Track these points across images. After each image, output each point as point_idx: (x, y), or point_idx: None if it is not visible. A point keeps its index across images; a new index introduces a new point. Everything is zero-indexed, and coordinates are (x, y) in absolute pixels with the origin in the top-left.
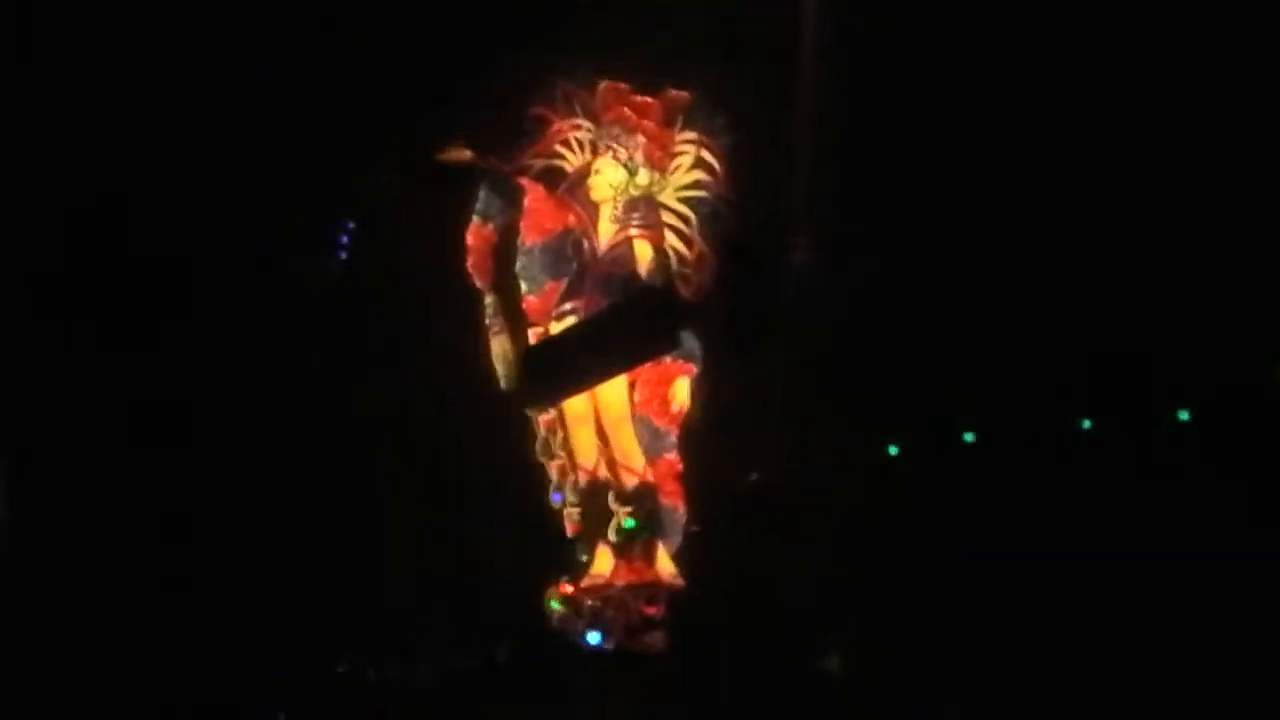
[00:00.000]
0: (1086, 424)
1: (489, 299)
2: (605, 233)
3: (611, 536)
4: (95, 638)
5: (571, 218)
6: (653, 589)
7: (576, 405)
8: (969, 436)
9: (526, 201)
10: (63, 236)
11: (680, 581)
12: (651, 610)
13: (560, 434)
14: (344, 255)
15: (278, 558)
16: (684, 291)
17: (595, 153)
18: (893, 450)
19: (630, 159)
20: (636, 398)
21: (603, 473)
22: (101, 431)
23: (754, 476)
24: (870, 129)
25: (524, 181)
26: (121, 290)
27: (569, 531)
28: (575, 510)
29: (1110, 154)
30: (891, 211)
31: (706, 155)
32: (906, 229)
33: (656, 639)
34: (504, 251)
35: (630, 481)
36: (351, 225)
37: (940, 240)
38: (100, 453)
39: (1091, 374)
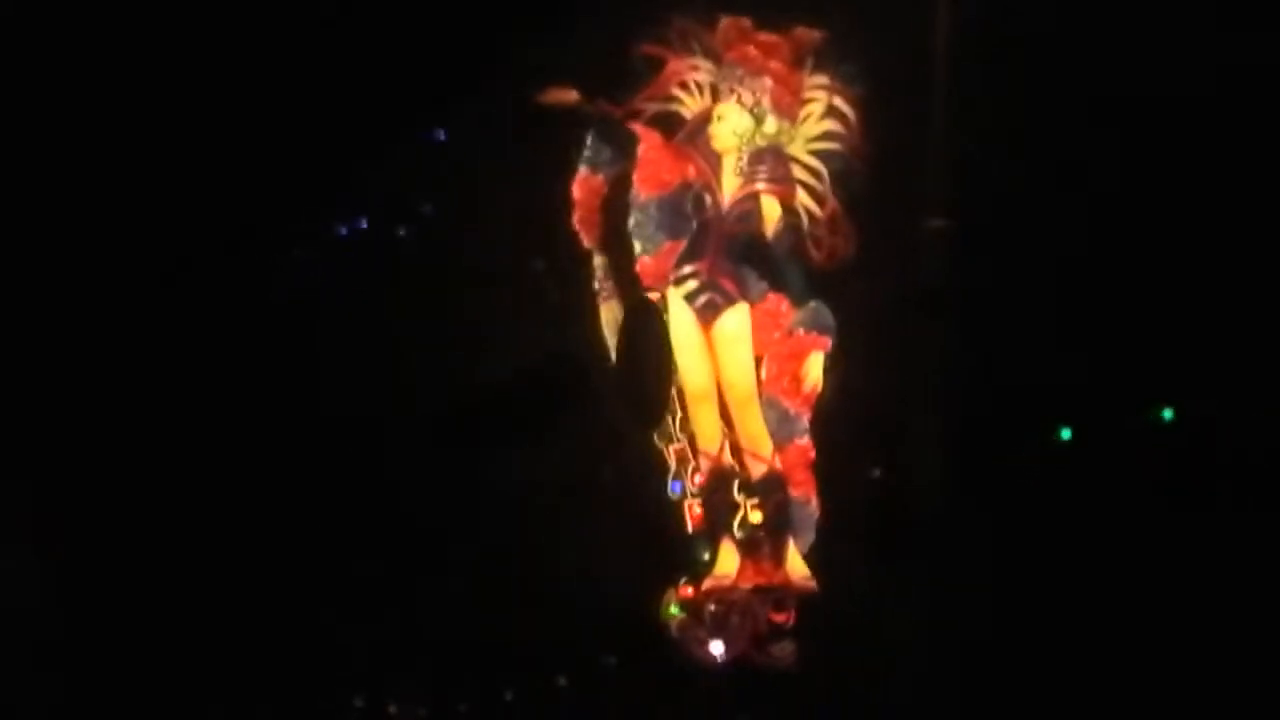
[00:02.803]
0: None
1: (598, 260)
2: (729, 187)
3: (736, 532)
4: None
5: (691, 169)
6: (782, 593)
7: (698, 382)
8: (1168, 414)
9: (640, 150)
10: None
11: (813, 585)
12: (780, 617)
13: (679, 415)
14: (426, 214)
15: (338, 563)
16: (816, 255)
17: (716, 97)
18: (1065, 434)
19: (757, 104)
20: (764, 374)
21: (727, 459)
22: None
23: (892, 466)
24: (1022, 81)
25: (637, 128)
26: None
27: (689, 526)
28: (696, 502)
29: None
30: (1044, 168)
31: (839, 103)
32: (1064, 187)
33: (785, 651)
34: (615, 206)
35: (757, 470)
36: (431, 179)
37: (1105, 198)
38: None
39: None
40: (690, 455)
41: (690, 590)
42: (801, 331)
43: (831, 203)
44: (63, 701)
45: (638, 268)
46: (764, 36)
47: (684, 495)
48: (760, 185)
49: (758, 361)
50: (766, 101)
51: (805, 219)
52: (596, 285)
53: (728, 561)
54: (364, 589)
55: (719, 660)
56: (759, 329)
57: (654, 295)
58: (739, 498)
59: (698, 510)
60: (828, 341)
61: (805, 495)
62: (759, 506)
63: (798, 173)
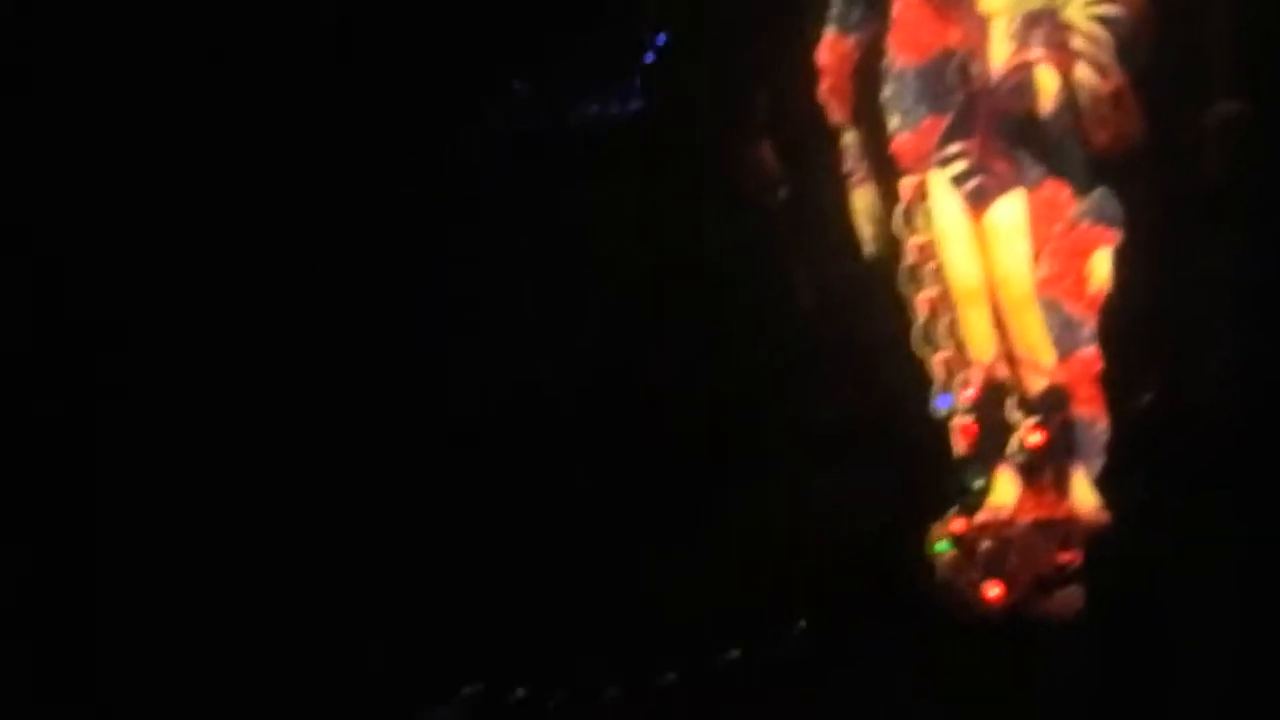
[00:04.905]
0: None
1: (848, 137)
2: (998, 55)
3: (1014, 455)
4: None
5: (954, 33)
6: (1068, 527)
7: (967, 280)
8: None
9: (895, 10)
10: None
11: (1105, 518)
12: (1067, 557)
13: (946, 318)
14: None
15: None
16: (1099, 137)
17: None
18: None
19: None
20: (1042, 273)
21: (1002, 371)
22: None
23: (1192, 379)
24: None
25: None
26: None
27: (959, 449)
28: (967, 419)
29: None
30: None
31: None
32: None
33: (1073, 596)
34: (868, 75)
35: (1037, 383)
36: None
37: None
38: None
39: None
40: (959, 365)
41: (961, 524)
42: (1086, 223)
43: (1116, 76)
44: None
45: (894, 147)
46: None
47: (952, 412)
48: (1034, 54)
49: (1036, 257)
50: None
51: (1086, 95)
52: (847, 167)
53: (1004, 490)
54: (608, 524)
55: (995, 606)
56: (1037, 219)
57: (915, 178)
58: (1016, 415)
59: (969, 430)
60: (1115, 235)
61: (1092, 414)
62: (1039, 426)
63: (1076, 41)
